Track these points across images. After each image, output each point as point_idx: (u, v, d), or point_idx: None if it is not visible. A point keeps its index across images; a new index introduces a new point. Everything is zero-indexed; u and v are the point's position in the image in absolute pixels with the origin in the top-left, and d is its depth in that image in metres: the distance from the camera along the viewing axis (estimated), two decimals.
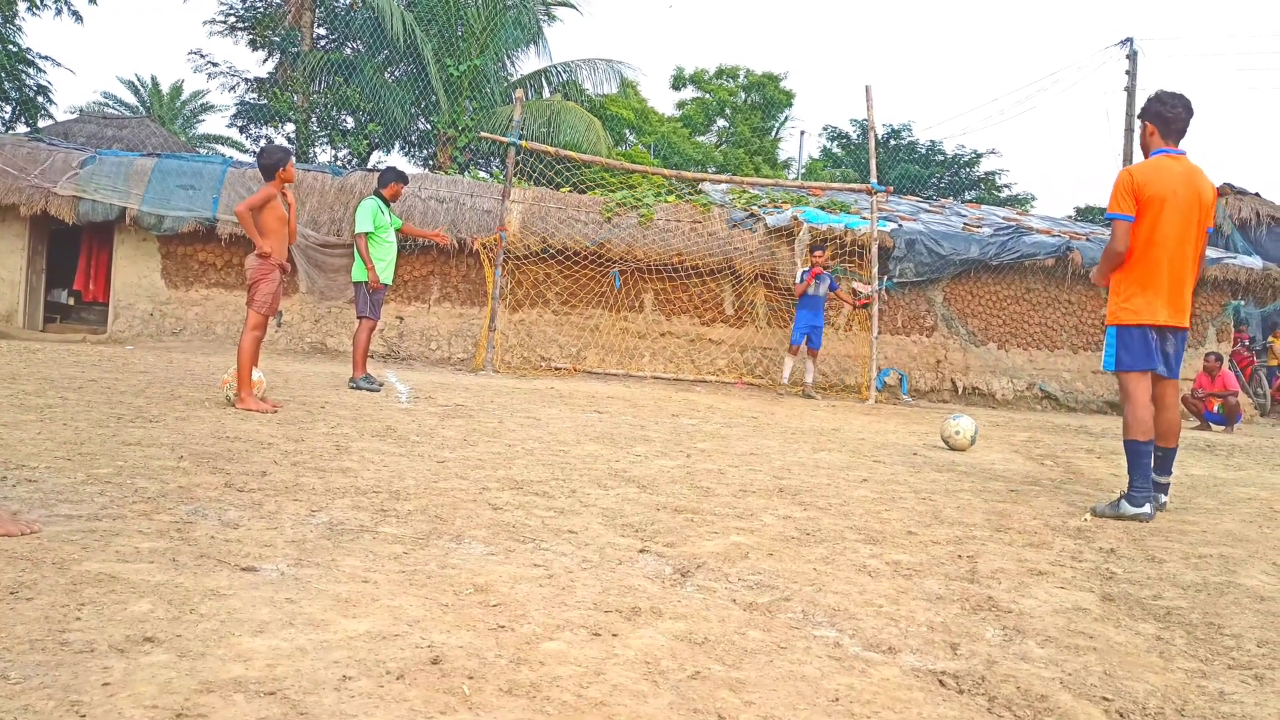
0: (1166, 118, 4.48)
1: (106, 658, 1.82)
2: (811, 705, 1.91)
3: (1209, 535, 4.14)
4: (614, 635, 2.22)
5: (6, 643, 1.85)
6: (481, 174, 17.74)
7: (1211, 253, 14.40)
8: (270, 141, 21.88)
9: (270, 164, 6.32)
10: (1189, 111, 4.52)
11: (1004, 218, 16.24)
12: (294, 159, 6.48)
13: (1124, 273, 4.48)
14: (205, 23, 26.85)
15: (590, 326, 13.69)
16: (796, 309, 12.18)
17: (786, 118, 32.31)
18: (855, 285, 13.21)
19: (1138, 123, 4.69)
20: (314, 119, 21.78)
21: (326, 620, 2.14)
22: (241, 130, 23.93)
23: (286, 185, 6.49)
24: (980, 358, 14.20)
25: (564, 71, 21.90)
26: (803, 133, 33.79)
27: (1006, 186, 30.12)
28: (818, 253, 12.07)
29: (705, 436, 6.68)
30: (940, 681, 2.10)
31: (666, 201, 14.17)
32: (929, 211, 15.82)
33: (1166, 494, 4.67)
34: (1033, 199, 30.04)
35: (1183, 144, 4.57)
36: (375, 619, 2.18)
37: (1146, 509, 4.31)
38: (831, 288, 12.12)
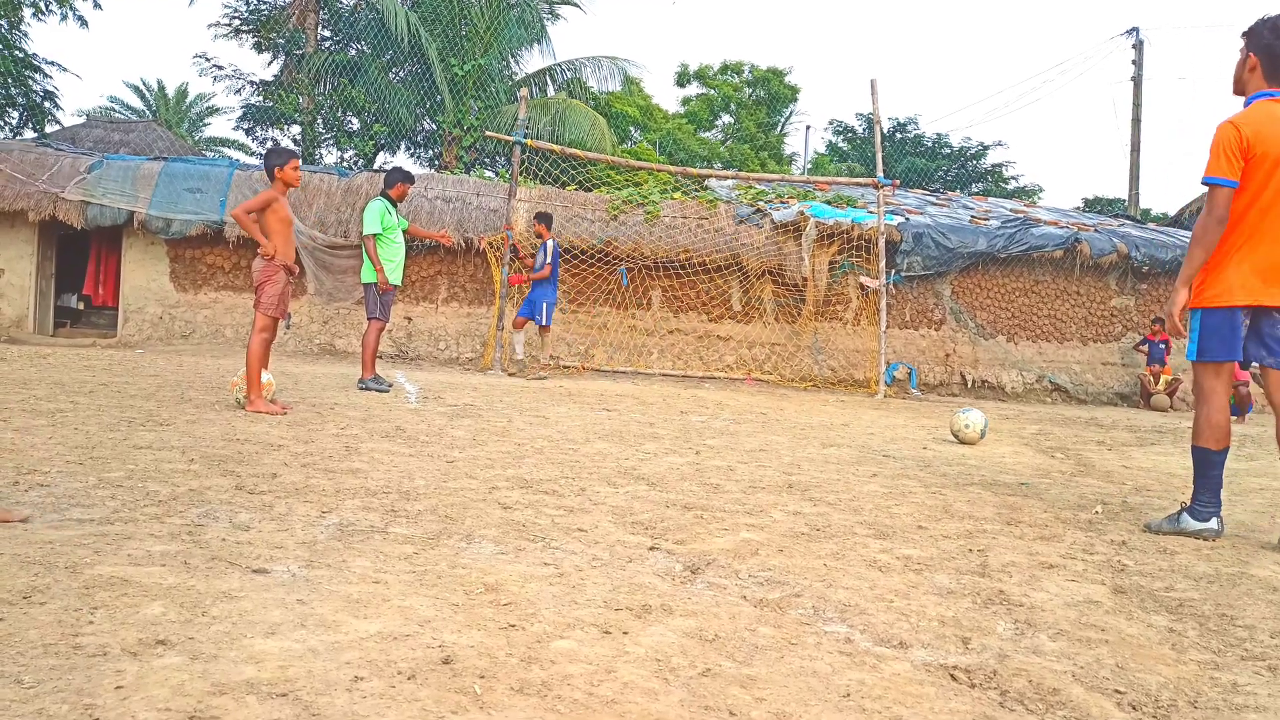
0: (1278, 53, 3.62)
1: (119, 661, 1.83)
2: (823, 701, 1.90)
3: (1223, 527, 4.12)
4: (624, 633, 2.22)
5: (20, 647, 1.86)
6: (487, 173, 17.72)
7: None
8: (276, 143, 21.94)
9: (268, 165, 6.30)
10: None
11: (1011, 210, 16.19)
12: (295, 160, 6.37)
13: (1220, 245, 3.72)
14: (210, 26, 26.93)
15: (598, 324, 13.70)
16: None
17: (792, 113, 32.25)
18: (863, 279, 13.19)
19: (1240, 53, 3.78)
20: (319, 120, 21.83)
21: (338, 621, 2.15)
22: (248, 133, 24.00)
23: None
24: (989, 351, 14.16)
25: (568, 69, 21.91)
26: (808, 127, 33.72)
27: (1014, 178, 30.03)
28: None
29: (714, 433, 6.67)
30: (952, 676, 2.10)
31: (672, 198, 14.17)
32: (936, 204, 15.79)
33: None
34: (1040, 190, 29.96)
35: None
36: (386, 619, 2.19)
37: (1213, 524, 3.74)
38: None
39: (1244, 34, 3.71)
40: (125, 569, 2.43)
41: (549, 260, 11.18)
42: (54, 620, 2.02)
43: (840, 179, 17.31)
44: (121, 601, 2.18)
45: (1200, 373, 3.82)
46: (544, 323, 11.20)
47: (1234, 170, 3.58)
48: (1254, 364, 3.81)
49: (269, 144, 22.37)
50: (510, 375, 11.17)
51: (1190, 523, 3.75)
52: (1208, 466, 3.75)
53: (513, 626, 2.20)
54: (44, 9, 20.48)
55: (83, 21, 21.02)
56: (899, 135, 29.97)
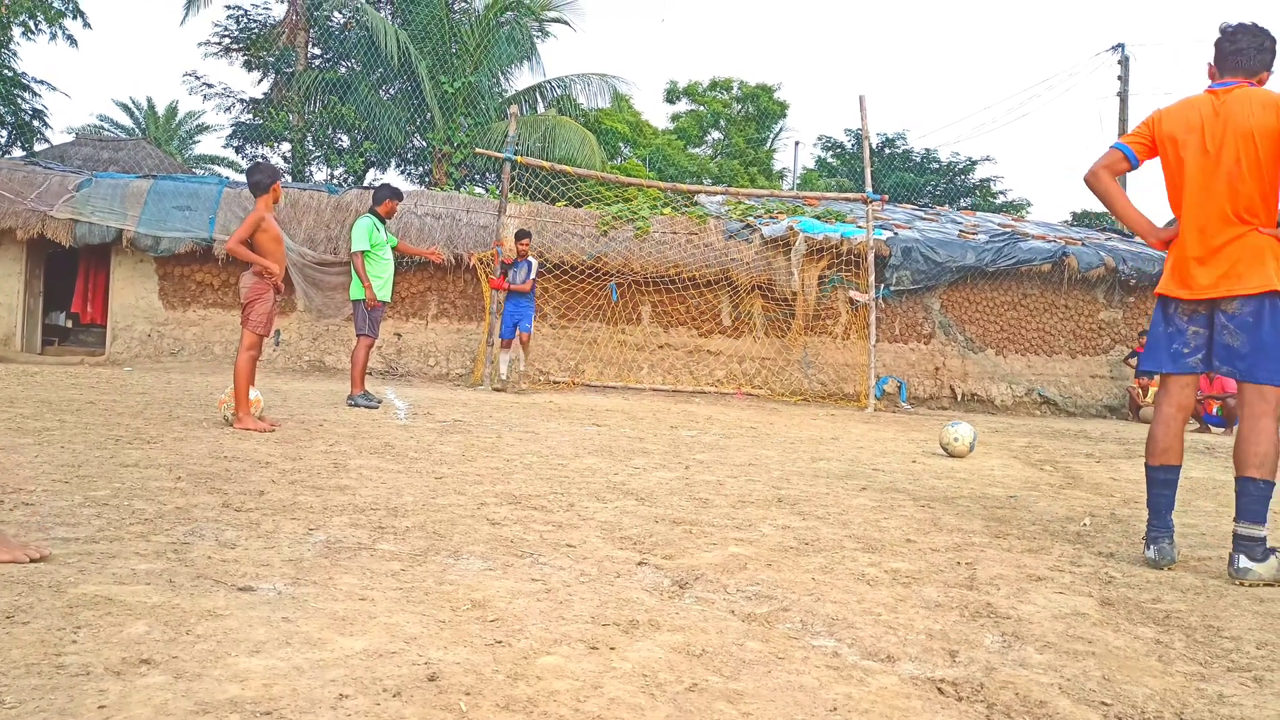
0: (1222, 50, 3.60)
1: (102, 680, 1.82)
2: (809, 715, 1.90)
3: (1208, 538, 4.14)
4: (611, 648, 2.21)
5: (2, 667, 1.85)
6: (477, 190, 17.78)
7: None
8: (266, 161, 21.92)
9: (266, 180, 6.25)
10: (1256, 37, 3.56)
11: (999, 224, 16.28)
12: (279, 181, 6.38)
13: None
14: (200, 44, 27.04)
15: (588, 339, 13.71)
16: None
17: (781, 128, 32.40)
18: (852, 294, 13.23)
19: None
20: (309, 138, 21.85)
21: (323, 639, 2.14)
22: (238, 150, 24.04)
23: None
24: (978, 364, 14.21)
25: (558, 87, 21.98)
26: (797, 143, 34.02)
27: (1002, 193, 30.18)
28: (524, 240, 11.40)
29: (704, 448, 6.67)
30: (939, 689, 2.10)
31: (662, 214, 14.21)
32: (925, 219, 15.87)
33: (1252, 555, 3.30)
34: (1028, 205, 30.10)
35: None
36: (372, 637, 2.18)
37: (1149, 552, 3.49)
38: (529, 275, 11.35)
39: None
40: (110, 588, 2.42)
41: (532, 276, 11.28)
42: (37, 640, 2.00)
43: (829, 194, 17.39)
44: (105, 620, 2.16)
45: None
46: (526, 329, 11.34)
47: (1134, 141, 3.65)
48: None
49: (259, 159, 22.36)
50: (496, 391, 11.16)
51: (1143, 551, 3.53)
52: (1148, 484, 3.59)
53: (499, 643, 2.20)
54: (33, 28, 20.50)
55: (72, 41, 21.07)
56: (888, 150, 30.12)
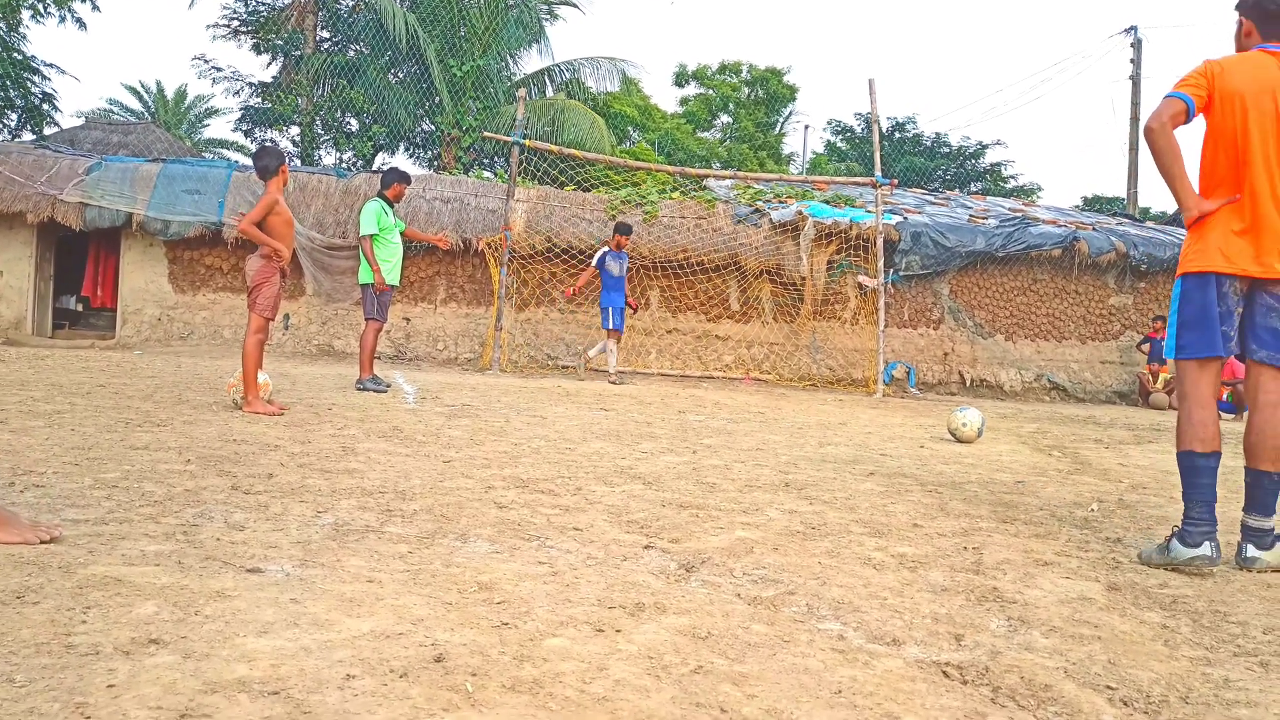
0: (1267, 8, 3.34)
1: (112, 660, 1.83)
2: (814, 698, 1.91)
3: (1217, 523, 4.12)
4: (617, 631, 2.22)
5: (12, 646, 1.86)
6: (486, 174, 17.75)
7: None
8: (274, 144, 21.95)
9: (273, 164, 6.28)
10: None
11: (1010, 209, 16.20)
12: (285, 163, 6.40)
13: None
14: (209, 27, 27.01)
15: (596, 324, 13.70)
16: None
17: (790, 112, 32.29)
18: (861, 279, 13.20)
19: (1235, 20, 3.50)
20: (318, 122, 21.85)
21: (331, 620, 2.15)
22: (246, 134, 24.04)
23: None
24: (988, 349, 14.17)
25: (566, 70, 21.92)
26: (806, 127, 33.76)
27: (1013, 177, 30.03)
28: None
29: (711, 432, 6.68)
30: (944, 672, 2.10)
31: (671, 198, 14.17)
32: (934, 204, 15.80)
33: (1260, 544, 3.25)
34: (1039, 189, 29.94)
35: None
36: (379, 618, 2.19)
37: (1205, 549, 3.14)
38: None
39: (1236, 7, 3.51)
40: (119, 569, 2.44)
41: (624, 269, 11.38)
42: (47, 619, 2.02)
43: (838, 178, 17.32)
44: (114, 601, 2.18)
45: (1180, 371, 3.39)
46: (620, 328, 11.31)
47: (1194, 91, 3.28)
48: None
49: (268, 144, 22.38)
50: (613, 383, 11.05)
51: (1180, 550, 3.16)
52: (1194, 474, 3.25)
53: (506, 625, 2.21)
54: (42, 11, 20.50)
55: (81, 24, 21.05)
56: (897, 135, 29.97)
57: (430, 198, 13.60)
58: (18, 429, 4.70)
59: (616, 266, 11.20)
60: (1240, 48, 3.48)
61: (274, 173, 6.24)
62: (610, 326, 11.19)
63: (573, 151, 13.62)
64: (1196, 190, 3.36)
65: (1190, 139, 3.26)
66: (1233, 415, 12.04)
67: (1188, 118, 3.28)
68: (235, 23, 22.32)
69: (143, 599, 2.20)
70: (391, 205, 8.52)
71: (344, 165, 21.26)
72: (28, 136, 20.93)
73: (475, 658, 1.98)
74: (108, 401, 6.13)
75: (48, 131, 21.14)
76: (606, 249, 11.31)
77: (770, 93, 31.03)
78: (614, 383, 11.01)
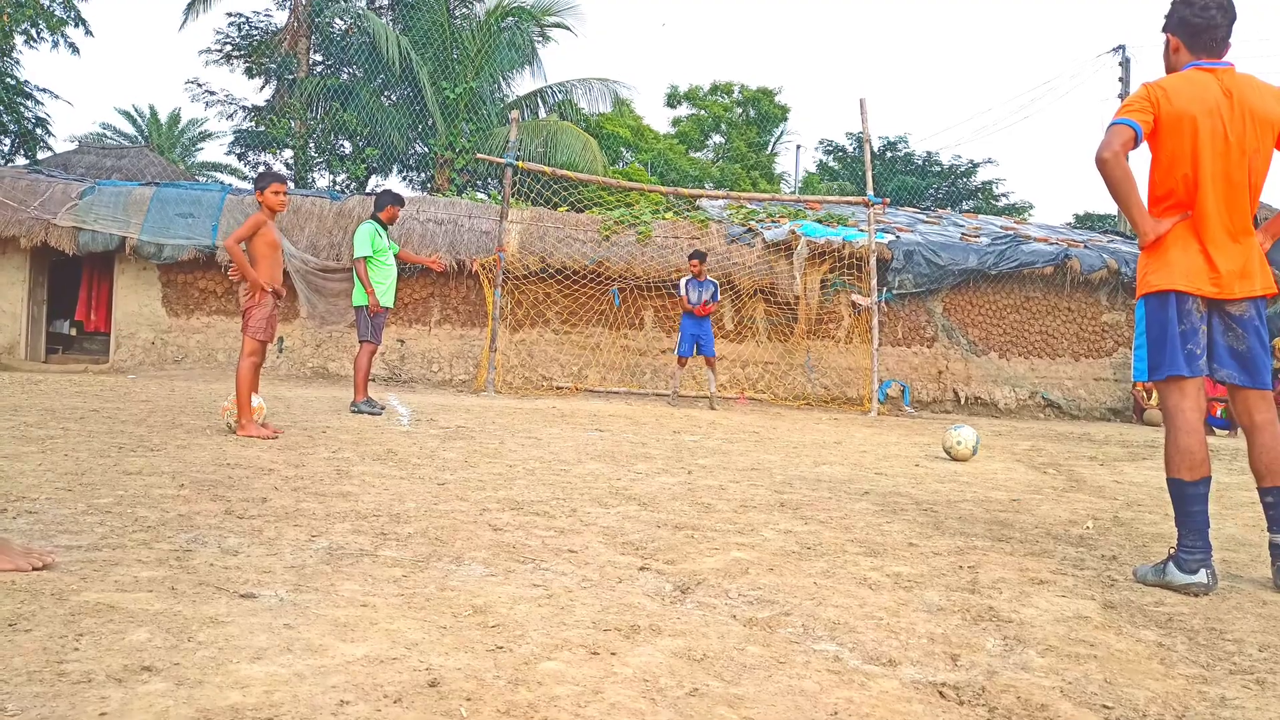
0: (1193, 24, 3.32)
1: (104, 687, 1.82)
2: (810, 719, 1.90)
3: (1212, 540, 4.12)
4: (612, 654, 2.22)
5: (4, 674, 1.85)
6: (479, 195, 17.77)
7: None
8: (268, 167, 22.00)
9: (260, 183, 6.36)
10: (1226, 13, 3.31)
11: (1002, 227, 16.27)
12: (275, 184, 6.39)
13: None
14: (202, 52, 27.06)
15: (591, 345, 13.71)
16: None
17: (782, 132, 32.41)
18: (855, 297, 13.23)
19: (1163, 40, 3.48)
20: (312, 145, 21.89)
21: (324, 645, 2.14)
22: (240, 157, 24.07)
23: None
24: (982, 367, 14.20)
25: (559, 91, 22.01)
26: (799, 147, 34.10)
27: (1004, 195, 30.15)
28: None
29: (706, 452, 6.67)
30: (940, 693, 2.10)
31: (664, 218, 14.22)
32: (926, 222, 15.86)
33: None
34: (1030, 207, 30.06)
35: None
36: (373, 643, 2.18)
37: (1201, 576, 3.13)
38: (713, 298, 11.57)
39: (1162, 28, 3.48)
40: (112, 595, 2.42)
41: (715, 298, 11.57)
42: (39, 647, 2.01)
43: (831, 198, 17.39)
44: (107, 628, 2.17)
45: (1160, 395, 3.36)
46: (710, 353, 11.52)
47: (1140, 116, 3.25)
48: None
49: (261, 168, 22.43)
50: (671, 405, 11.42)
51: (1176, 575, 3.15)
52: (1185, 502, 3.21)
53: (500, 648, 2.20)
54: (36, 36, 20.55)
55: (74, 49, 21.09)
56: (889, 154, 30.10)
57: (424, 219, 13.63)
58: (10, 454, 4.69)
59: (695, 294, 11.46)
60: (1170, 66, 3.45)
61: (261, 191, 6.31)
62: (691, 354, 11.54)
63: (566, 173, 13.67)
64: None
65: (1138, 161, 3.27)
66: (1227, 431, 12.07)
67: (1136, 143, 3.28)
68: (228, 47, 22.40)
69: (136, 625, 2.19)
70: (385, 227, 8.54)
71: (337, 188, 21.29)
72: (21, 161, 20.94)
73: (470, 682, 1.97)
74: (101, 426, 6.11)
75: (41, 156, 21.16)
76: (688, 278, 11.63)
77: (762, 113, 31.17)
78: (714, 408, 11.51)
